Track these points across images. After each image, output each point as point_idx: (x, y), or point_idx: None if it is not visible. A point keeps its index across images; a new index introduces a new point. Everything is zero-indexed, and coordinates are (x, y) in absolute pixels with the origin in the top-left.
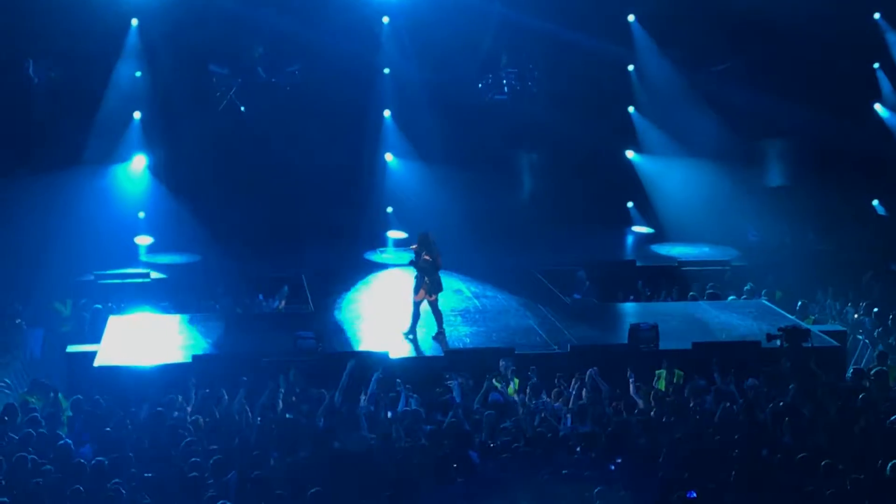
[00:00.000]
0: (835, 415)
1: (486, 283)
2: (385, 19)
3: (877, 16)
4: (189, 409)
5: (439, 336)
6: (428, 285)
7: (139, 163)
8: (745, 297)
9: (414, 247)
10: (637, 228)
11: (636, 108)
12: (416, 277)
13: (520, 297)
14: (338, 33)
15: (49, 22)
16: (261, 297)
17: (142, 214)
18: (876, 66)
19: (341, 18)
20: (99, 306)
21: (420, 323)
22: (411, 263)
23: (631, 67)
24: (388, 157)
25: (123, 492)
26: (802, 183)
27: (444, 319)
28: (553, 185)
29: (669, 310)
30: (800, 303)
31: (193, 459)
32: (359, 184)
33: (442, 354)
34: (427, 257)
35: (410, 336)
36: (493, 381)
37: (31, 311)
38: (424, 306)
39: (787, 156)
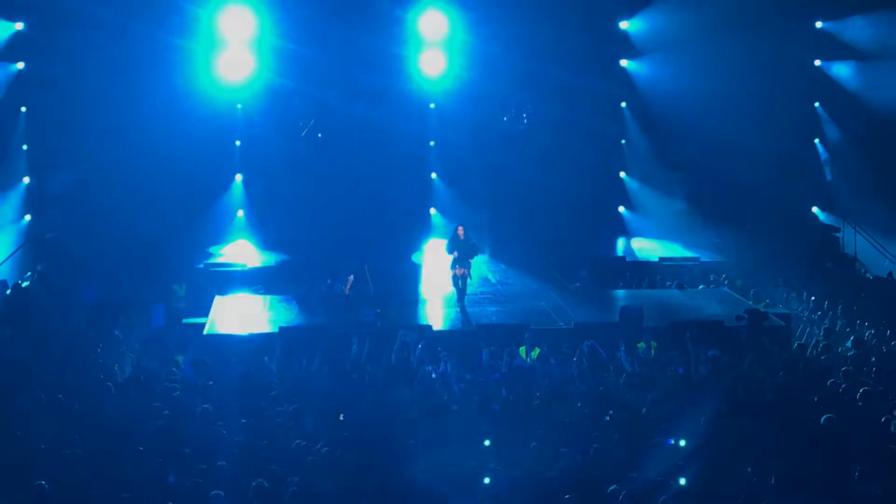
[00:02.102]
0: (781, 378)
1: (507, 273)
2: (432, 105)
3: (816, 105)
4: (275, 368)
5: (461, 301)
6: (465, 260)
7: (237, 179)
8: (711, 286)
9: (461, 232)
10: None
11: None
12: (456, 257)
13: (534, 284)
14: (397, 115)
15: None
16: (329, 281)
17: (241, 213)
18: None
19: (399, 103)
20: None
21: (458, 294)
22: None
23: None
24: (432, 211)
25: (224, 432)
26: (757, 198)
27: (475, 301)
28: (562, 198)
29: (651, 295)
30: (752, 291)
31: (279, 408)
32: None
33: (473, 328)
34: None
35: (461, 304)
36: (518, 349)
37: (155, 291)
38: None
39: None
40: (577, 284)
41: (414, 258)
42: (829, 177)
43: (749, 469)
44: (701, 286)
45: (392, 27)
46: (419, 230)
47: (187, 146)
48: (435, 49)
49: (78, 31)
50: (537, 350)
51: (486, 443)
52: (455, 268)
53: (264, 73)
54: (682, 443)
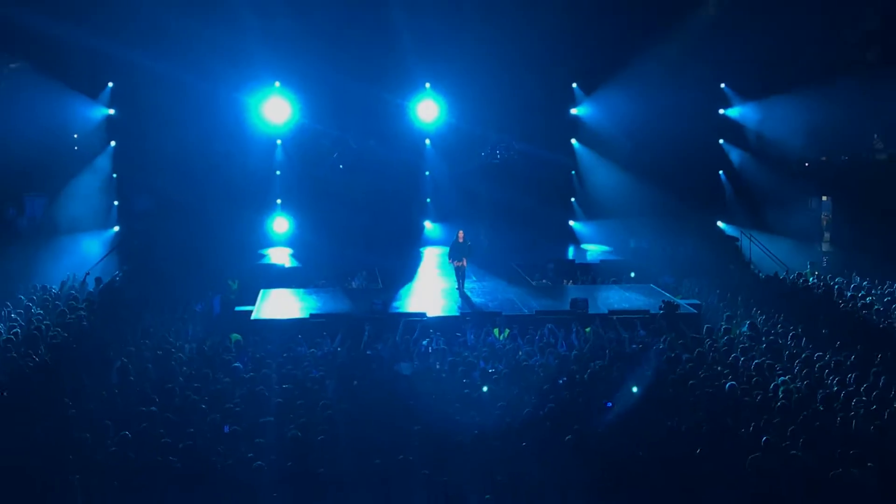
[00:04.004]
0: (694, 354)
1: (484, 272)
2: (427, 141)
3: (721, 141)
4: (306, 345)
5: (461, 287)
6: (462, 255)
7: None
8: (632, 281)
9: (461, 236)
10: (587, 246)
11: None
12: (454, 252)
13: (505, 281)
14: (398, 149)
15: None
16: (347, 278)
17: (281, 226)
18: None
19: (400, 139)
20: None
21: (456, 282)
22: (454, 244)
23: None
24: (428, 224)
25: (266, 394)
26: (676, 214)
27: (462, 294)
28: (527, 215)
29: (594, 289)
30: (672, 285)
31: (309, 375)
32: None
33: (458, 315)
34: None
35: (459, 288)
36: (493, 330)
37: (214, 285)
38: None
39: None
40: (544, 280)
41: (413, 260)
42: (728, 195)
43: (669, 423)
44: (632, 282)
45: (398, 84)
46: (417, 239)
47: (240, 173)
48: (429, 99)
49: (153, 86)
50: (507, 331)
51: (485, 389)
52: (454, 261)
53: (298, 118)
54: (634, 389)
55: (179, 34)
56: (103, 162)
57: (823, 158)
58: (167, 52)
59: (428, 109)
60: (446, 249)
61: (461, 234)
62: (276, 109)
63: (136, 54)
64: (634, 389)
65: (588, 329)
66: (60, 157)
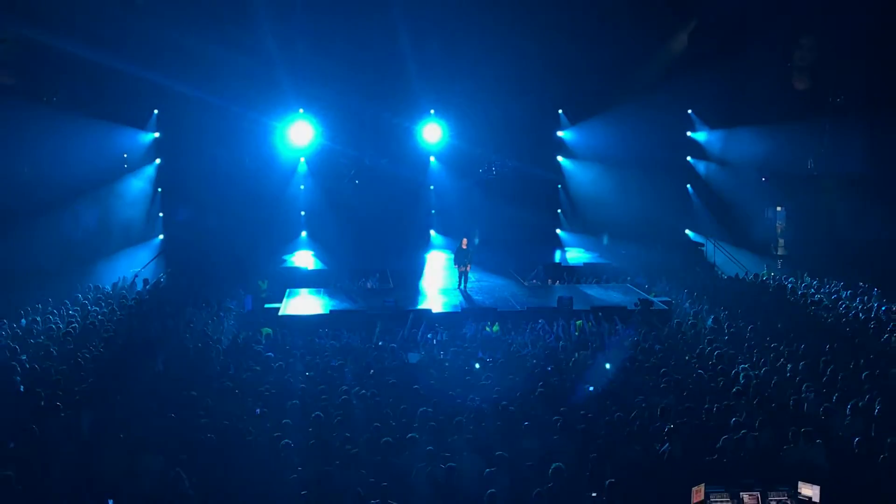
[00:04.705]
0: (665, 345)
1: (481, 274)
2: (432, 159)
3: (689, 158)
4: (326, 338)
5: (463, 287)
6: (466, 260)
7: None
8: (617, 281)
9: (464, 243)
10: (571, 250)
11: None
12: (459, 258)
13: (500, 281)
14: (406, 165)
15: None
16: (362, 279)
17: (303, 234)
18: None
19: (407, 156)
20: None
21: (458, 283)
22: (459, 250)
23: (559, 185)
24: (432, 232)
25: (292, 381)
26: (649, 222)
27: (462, 293)
28: (519, 223)
29: (578, 288)
30: (645, 285)
31: (329, 364)
32: (418, 226)
33: (460, 311)
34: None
35: (460, 288)
36: (487, 324)
37: (246, 286)
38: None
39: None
40: (534, 280)
41: (420, 264)
42: (695, 206)
43: (644, 404)
44: (611, 282)
45: (406, 110)
46: (423, 245)
47: (268, 188)
48: (433, 123)
49: (193, 111)
50: (496, 326)
51: (477, 366)
52: (459, 266)
53: (319, 140)
54: (608, 365)
55: (216, 67)
56: (149, 177)
57: (764, 179)
58: (205, 82)
59: (433, 132)
60: (449, 254)
61: (465, 241)
62: (300, 132)
63: (178, 83)
64: (608, 366)
65: (579, 322)
66: (112, 174)
